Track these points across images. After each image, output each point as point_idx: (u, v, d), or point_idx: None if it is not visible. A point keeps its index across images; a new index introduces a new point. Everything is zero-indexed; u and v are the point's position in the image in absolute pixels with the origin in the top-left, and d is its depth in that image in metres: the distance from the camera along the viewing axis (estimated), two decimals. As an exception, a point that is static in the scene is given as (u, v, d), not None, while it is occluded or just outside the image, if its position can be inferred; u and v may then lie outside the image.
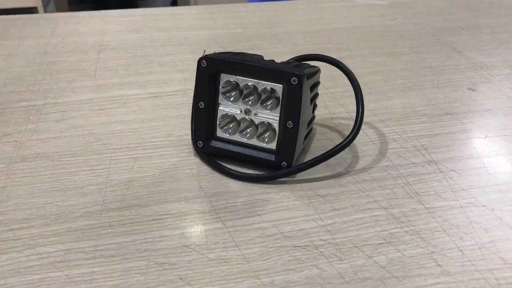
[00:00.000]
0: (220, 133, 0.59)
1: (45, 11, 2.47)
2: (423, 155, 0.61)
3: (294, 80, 0.53)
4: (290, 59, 0.64)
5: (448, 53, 0.90)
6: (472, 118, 0.69)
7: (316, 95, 0.62)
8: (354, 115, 0.70)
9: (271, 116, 0.56)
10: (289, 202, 0.53)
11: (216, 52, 0.63)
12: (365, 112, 0.71)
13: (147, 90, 0.76)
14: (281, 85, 0.54)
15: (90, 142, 0.63)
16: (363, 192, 0.55)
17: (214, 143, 0.59)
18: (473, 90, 0.77)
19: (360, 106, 0.58)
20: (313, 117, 0.62)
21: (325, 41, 0.94)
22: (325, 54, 0.64)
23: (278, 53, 0.89)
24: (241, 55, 0.58)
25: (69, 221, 0.50)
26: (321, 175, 0.58)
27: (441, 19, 1.07)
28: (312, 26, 1.01)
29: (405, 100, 0.74)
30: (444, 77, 0.81)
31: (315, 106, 0.62)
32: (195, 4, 3.13)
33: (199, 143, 0.59)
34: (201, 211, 0.52)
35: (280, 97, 0.55)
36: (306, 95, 0.55)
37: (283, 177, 0.56)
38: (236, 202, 0.53)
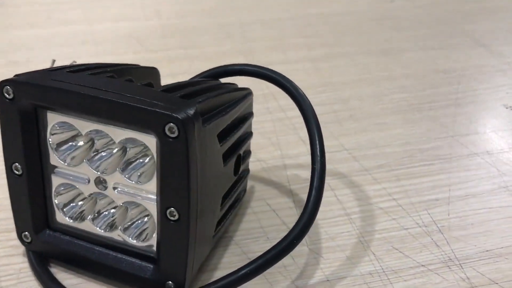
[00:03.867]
0: (60, 217, 0.32)
1: None
2: (438, 246, 0.34)
3: (172, 130, 0.25)
4: (198, 75, 0.36)
5: (470, 49, 0.62)
6: (518, 162, 0.42)
7: (246, 137, 0.35)
8: (321, 160, 0.42)
9: (142, 192, 0.29)
10: None
11: (74, 63, 0.36)
12: (341, 153, 0.43)
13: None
14: (152, 137, 0.27)
15: None
16: None
17: (50, 237, 0.32)
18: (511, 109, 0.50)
19: (318, 167, 0.30)
20: (242, 177, 0.35)
21: (292, 34, 0.66)
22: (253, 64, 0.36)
23: (223, 53, 0.61)
24: (86, 73, 0.30)
25: None
26: (245, 300, 0.30)
27: (455, -1, 0.78)
28: (275, 13, 0.73)
29: (406, 130, 0.47)
30: (467, 87, 0.54)
31: (244, 157, 0.35)
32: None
33: (25, 236, 0.32)
34: None
35: (155, 157, 0.27)
36: (208, 152, 0.28)
37: (165, 314, 0.29)
38: None
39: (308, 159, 0.42)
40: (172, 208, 0.27)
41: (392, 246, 0.34)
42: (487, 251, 0.34)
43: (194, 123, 0.26)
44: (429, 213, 0.37)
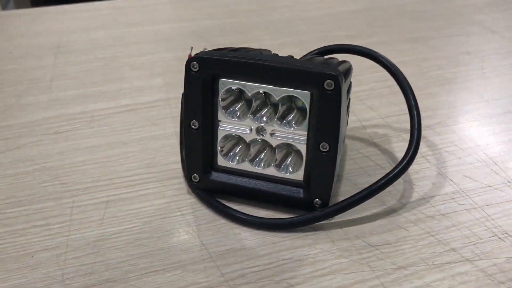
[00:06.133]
0: (222, 161, 0.42)
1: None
2: (497, 173, 0.46)
3: (329, 84, 0.36)
4: (310, 53, 0.47)
5: (484, 35, 0.74)
6: (541, 116, 0.54)
7: (350, 98, 0.46)
8: (390, 121, 0.54)
9: (294, 135, 0.40)
10: (333, 261, 0.37)
11: (207, 49, 0.46)
12: (405, 116, 0.55)
13: (118, 102, 0.58)
14: (307, 92, 0.38)
15: (43, 182, 0.46)
16: (432, 235, 0.39)
17: (215, 176, 0.42)
18: (528, 79, 0.62)
19: (416, 119, 0.42)
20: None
21: (333, 28, 0.78)
22: (350, 43, 0.48)
23: (282, 44, 0.72)
24: (243, 51, 0.42)
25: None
26: (367, 213, 0.41)
27: (462, -5, 0.91)
28: (313, 11, 0.84)
29: (449, 97, 0.58)
30: (489, 64, 0.66)
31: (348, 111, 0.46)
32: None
33: (194, 177, 0.43)
34: (207, 286, 0.35)
35: (308, 108, 0.38)
36: (344, 103, 0.39)
37: (318, 221, 0.40)
38: (256, 265, 0.37)
39: (378, 121, 0.54)
40: (324, 142, 0.38)
41: (463, 175, 0.45)
42: (533, 174, 0.45)
43: (342, 79, 0.37)
44: (484, 153, 0.48)
